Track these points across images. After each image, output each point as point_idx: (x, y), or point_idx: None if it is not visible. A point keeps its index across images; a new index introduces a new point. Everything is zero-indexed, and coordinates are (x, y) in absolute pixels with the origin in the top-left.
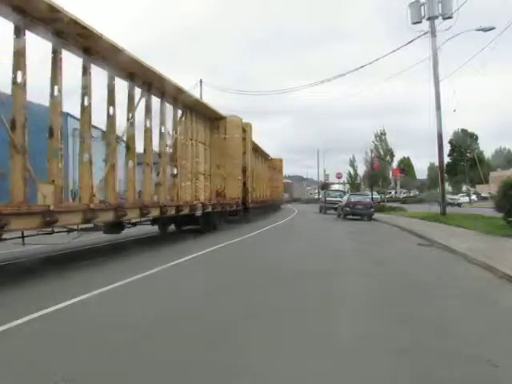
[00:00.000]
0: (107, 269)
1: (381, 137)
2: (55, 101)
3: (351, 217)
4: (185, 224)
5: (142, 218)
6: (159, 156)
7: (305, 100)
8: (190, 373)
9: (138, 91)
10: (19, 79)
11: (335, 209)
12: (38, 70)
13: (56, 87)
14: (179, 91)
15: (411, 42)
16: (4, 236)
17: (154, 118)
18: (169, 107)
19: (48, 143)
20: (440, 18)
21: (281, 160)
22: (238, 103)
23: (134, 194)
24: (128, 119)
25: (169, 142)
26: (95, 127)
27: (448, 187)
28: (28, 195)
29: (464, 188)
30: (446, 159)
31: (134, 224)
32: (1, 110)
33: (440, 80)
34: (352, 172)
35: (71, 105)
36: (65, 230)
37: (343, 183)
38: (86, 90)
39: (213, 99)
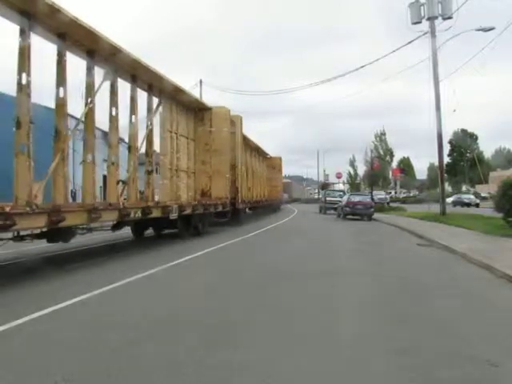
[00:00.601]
0: (107, 269)
1: (381, 137)
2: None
3: (351, 217)
4: (164, 228)
5: (91, 222)
6: (129, 150)
7: (305, 100)
8: (190, 373)
9: (99, 71)
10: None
11: (335, 209)
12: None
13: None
14: (155, 76)
15: (411, 42)
16: None
17: (124, 106)
18: (142, 94)
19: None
20: (440, 18)
21: (280, 158)
22: (238, 103)
23: (93, 195)
24: (86, 104)
25: (142, 133)
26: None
27: (448, 187)
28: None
29: (464, 188)
30: (446, 159)
31: (90, 230)
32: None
33: (440, 80)
34: (352, 172)
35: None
36: None
37: (343, 183)
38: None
39: (213, 99)
